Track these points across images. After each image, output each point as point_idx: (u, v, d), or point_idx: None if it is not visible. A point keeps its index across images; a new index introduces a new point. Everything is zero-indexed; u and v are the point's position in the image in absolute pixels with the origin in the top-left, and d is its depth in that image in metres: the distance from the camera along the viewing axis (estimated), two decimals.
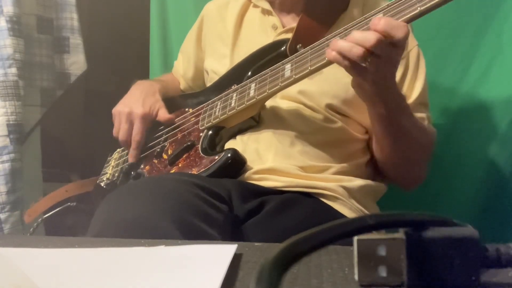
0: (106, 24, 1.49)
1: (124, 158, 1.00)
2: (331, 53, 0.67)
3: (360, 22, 0.71)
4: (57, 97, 1.34)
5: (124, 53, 1.47)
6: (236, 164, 0.80)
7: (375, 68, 0.66)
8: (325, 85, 0.83)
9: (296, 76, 0.76)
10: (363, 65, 0.65)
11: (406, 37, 0.64)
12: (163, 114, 0.95)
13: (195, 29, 1.08)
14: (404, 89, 0.86)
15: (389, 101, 0.73)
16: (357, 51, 0.64)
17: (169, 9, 1.38)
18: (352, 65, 0.66)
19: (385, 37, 0.63)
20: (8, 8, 1.18)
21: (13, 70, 1.18)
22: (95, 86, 1.48)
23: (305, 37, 0.85)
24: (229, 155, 0.79)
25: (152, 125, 0.96)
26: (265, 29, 0.93)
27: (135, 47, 1.46)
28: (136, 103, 0.94)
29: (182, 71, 1.11)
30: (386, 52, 0.65)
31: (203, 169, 0.80)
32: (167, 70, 1.35)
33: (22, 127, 1.21)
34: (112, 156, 1.06)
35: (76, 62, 1.35)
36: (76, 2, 1.34)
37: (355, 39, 0.64)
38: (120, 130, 0.94)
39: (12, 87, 1.18)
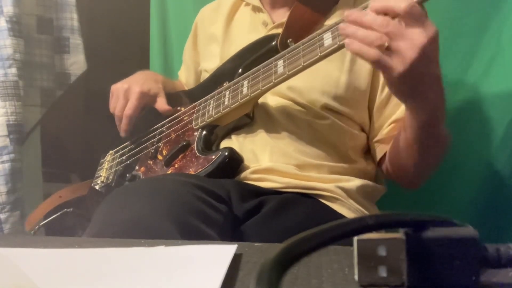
0: (106, 24, 1.49)
1: (117, 160, 1.00)
2: (354, 44, 0.62)
3: None
4: (57, 97, 1.34)
5: (124, 53, 1.47)
6: (233, 163, 0.80)
7: (400, 60, 0.60)
8: (314, 81, 0.83)
9: (290, 72, 0.76)
10: (383, 55, 0.61)
11: (410, 8, 0.59)
12: (161, 104, 0.94)
13: (191, 36, 1.09)
14: None
15: (426, 108, 0.67)
16: (373, 35, 0.60)
17: (169, 9, 1.38)
18: (376, 55, 0.61)
19: (385, 12, 0.60)
20: (8, 8, 1.18)
21: (13, 70, 1.18)
22: (95, 86, 1.48)
23: (295, 31, 0.85)
24: (226, 153, 0.79)
25: (148, 108, 0.96)
26: (255, 26, 0.93)
27: (135, 47, 1.46)
28: (135, 83, 0.94)
29: (184, 80, 1.12)
30: (400, 32, 0.59)
31: (200, 169, 0.80)
32: (167, 70, 1.35)
33: (22, 127, 1.21)
34: (105, 158, 1.05)
35: (76, 62, 1.35)
36: (76, 2, 1.34)
37: (365, 22, 0.61)
38: (116, 105, 0.94)
39: (12, 87, 1.18)
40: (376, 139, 0.87)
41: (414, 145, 0.75)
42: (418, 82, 0.63)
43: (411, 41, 0.59)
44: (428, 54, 0.61)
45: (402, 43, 0.60)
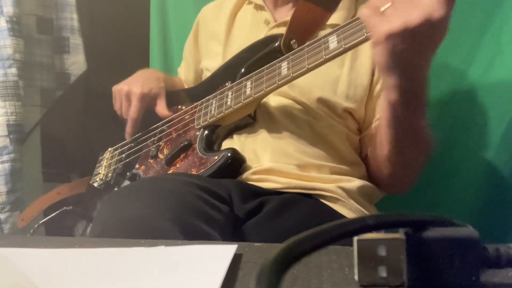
0: (106, 24, 1.49)
1: (116, 158, 1.00)
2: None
3: (358, 19, 0.71)
4: (57, 97, 1.34)
5: (124, 53, 1.47)
6: (236, 164, 0.80)
7: (390, 19, 0.57)
8: (315, 79, 0.83)
9: (294, 74, 0.76)
10: (373, 15, 0.59)
11: None
12: (161, 109, 0.95)
13: (192, 33, 1.10)
14: None
15: (408, 93, 0.64)
16: None
17: (169, 9, 1.38)
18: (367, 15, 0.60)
19: None
20: (8, 8, 1.18)
21: (13, 70, 1.18)
22: (95, 86, 1.48)
23: (298, 32, 0.85)
24: (229, 154, 0.79)
25: (150, 107, 0.97)
26: (257, 24, 0.93)
27: (135, 47, 1.46)
28: (136, 83, 0.95)
29: (184, 76, 1.12)
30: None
31: (203, 169, 0.80)
32: (167, 70, 1.35)
33: (22, 127, 1.21)
34: (104, 156, 1.05)
35: (76, 62, 1.35)
36: (76, 2, 1.34)
37: None
38: (121, 108, 0.96)
39: (12, 87, 1.18)
40: (365, 133, 0.87)
41: (389, 130, 0.71)
42: (400, 54, 0.59)
43: (414, 7, 0.56)
44: (422, 33, 0.57)
45: (403, 5, 0.57)
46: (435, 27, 0.57)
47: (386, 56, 0.60)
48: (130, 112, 0.94)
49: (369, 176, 0.88)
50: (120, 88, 0.96)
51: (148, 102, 0.95)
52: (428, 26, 0.56)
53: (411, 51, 0.59)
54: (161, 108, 0.95)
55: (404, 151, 0.74)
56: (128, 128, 0.96)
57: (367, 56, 0.85)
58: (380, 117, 0.76)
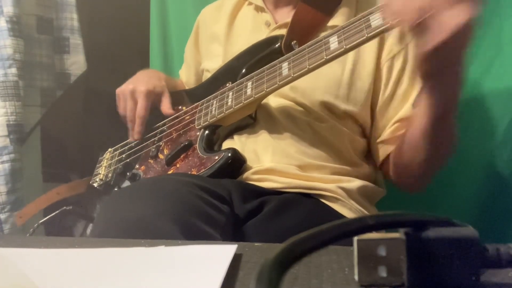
0: (106, 24, 1.49)
1: (116, 158, 1.00)
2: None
3: (359, 20, 0.71)
4: (57, 97, 1.34)
5: (124, 53, 1.47)
6: (236, 164, 0.80)
7: (432, 36, 0.56)
8: (316, 81, 0.82)
9: (294, 75, 0.76)
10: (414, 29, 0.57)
11: None
12: (166, 107, 0.95)
13: (192, 35, 1.10)
14: (405, 81, 0.84)
15: (445, 93, 0.64)
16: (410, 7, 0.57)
17: (169, 9, 1.38)
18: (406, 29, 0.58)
19: None
20: (8, 9, 1.18)
21: (13, 70, 1.18)
22: (95, 86, 1.48)
23: (299, 33, 0.85)
24: (229, 154, 0.79)
25: (155, 106, 0.96)
26: (258, 26, 0.93)
27: (135, 47, 1.46)
28: (139, 82, 0.95)
29: (185, 79, 1.12)
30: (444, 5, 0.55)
31: (203, 170, 0.80)
32: (167, 70, 1.35)
33: (22, 127, 1.21)
34: (104, 156, 1.05)
35: (76, 62, 1.35)
36: (76, 2, 1.34)
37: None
38: (126, 108, 0.95)
39: (12, 87, 1.18)
40: (379, 139, 0.87)
41: (423, 140, 0.71)
42: (445, 62, 0.60)
43: (451, 18, 0.55)
44: (463, 37, 0.57)
45: (440, 17, 0.55)
46: (471, 28, 0.57)
47: (431, 67, 0.61)
48: (138, 110, 0.93)
49: (389, 176, 0.87)
50: (124, 89, 0.96)
51: (153, 99, 0.95)
52: (468, 29, 0.57)
53: (453, 55, 0.60)
54: (166, 106, 0.95)
55: (434, 149, 0.73)
56: (137, 127, 0.95)
57: (368, 60, 0.84)
58: (411, 120, 0.74)
